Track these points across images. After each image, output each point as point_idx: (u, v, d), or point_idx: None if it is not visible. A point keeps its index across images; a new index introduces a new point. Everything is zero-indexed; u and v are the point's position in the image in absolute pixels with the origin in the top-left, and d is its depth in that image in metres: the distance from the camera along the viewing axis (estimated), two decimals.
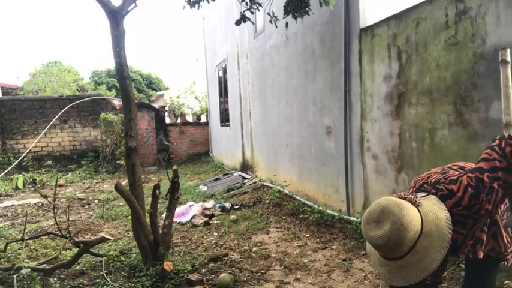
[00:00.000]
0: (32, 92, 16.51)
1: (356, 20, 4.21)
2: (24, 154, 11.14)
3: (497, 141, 1.64)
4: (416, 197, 1.47)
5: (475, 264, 1.76)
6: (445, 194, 1.53)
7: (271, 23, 4.56)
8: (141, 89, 27.73)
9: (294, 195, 5.81)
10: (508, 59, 1.90)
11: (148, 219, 3.48)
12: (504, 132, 1.73)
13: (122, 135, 10.59)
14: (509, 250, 1.71)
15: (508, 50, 1.93)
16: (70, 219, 5.46)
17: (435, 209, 1.43)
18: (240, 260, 3.81)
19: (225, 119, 10.60)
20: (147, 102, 17.66)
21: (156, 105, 13.46)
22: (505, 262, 1.72)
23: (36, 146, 11.76)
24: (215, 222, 5.31)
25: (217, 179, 8.37)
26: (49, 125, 11.63)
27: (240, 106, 8.87)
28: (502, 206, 1.72)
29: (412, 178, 3.53)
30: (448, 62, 3.08)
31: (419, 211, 1.42)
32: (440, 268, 1.81)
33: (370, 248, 1.52)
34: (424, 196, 1.51)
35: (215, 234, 4.78)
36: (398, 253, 1.37)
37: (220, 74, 10.91)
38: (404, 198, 1.45)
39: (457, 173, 1.63)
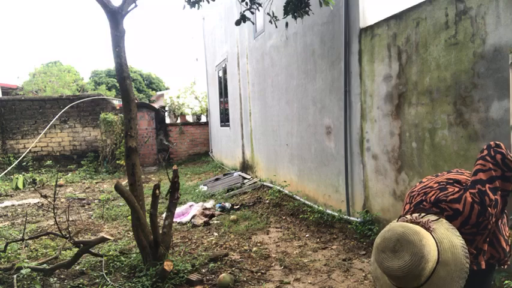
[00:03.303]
0: (32, 92, 16.51)
1: (356, 20, 4.22)
2: (24, 154, 11.14)
3: (485, 151, 1.64)
4: (429, 222, 1.42)
5: (475, 271, 1.76)
6: (451, 214, 1.50)
7: (271, 23, 4.56)
8: (141, 89, 27.75)
9: (294, 195, 5.81)
10: None
11: (148, 219, 3.48)
12: (491, 142, 1.73)
13: (122, 135, 10.60)
14: (508, 255, 1.71)
15: None
16: (70, 219, 5.47)
17: (449, 236, 1.39)
18: (240, 260, 3.81)
19: (225, 119, 10.60)
20: (147, 102, 17.68)
21: (156, 105, 13.46)
22: (503, 265, 1.72)
23: (36, 146, 11.77)
24: (215, 222, 5.31)
25: (217, 179, 8.37)
26: (49, 125, 11.63)
27: (240, 106, 8.87)
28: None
29: (412, 178, 3.53)
30: (448, 62, 3.08)
31: (433, 237, 1.37)
32: None
33: (378, 272, 1.48)
34: (436, 220, 1.47)
35: (215, 234, 4.78)
36: (415, 283, 1.32)
37: (220, 74, 10.91)
38: (417, 223, 1.41)
39: (456, 189, 1.59)
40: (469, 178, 1.69)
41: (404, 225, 1.39)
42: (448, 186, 1.66)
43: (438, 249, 1.35)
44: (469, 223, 1.48)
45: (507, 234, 1.75)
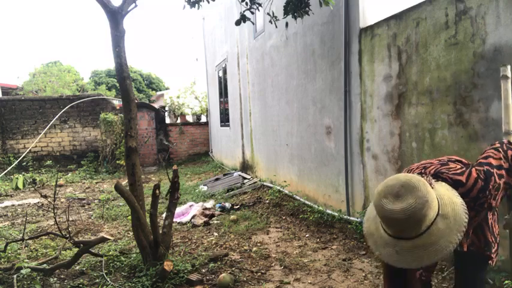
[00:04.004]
0: (32, 92, 16.51)
1: (356, 20, 4.21)
2: (24, 154, 11.14)
3: (497, 144, 1.67)
4: (431, 179, 1.41)
5: (464, 263, 1.77)
6: (451, 184, 1.48)
7: (271, 23, 4.55)
8: (141, 89, 27.76)
9: (294, 195, 5.81)
10: (509, 74, 1.96)
11: (148, 219, 3.48)
12: (504, 139, 1.74)
13: (122, 135, 10.59)
14: (493, 250, 1.72)
15: (509, 67, 1.99)
16: (70, 219, 5.47)
17: (449, 194, 1.39)
18: (240, 260, 3.81)
19: (225, 119, 10.60)
20: (147, 102, 17.68)
21: (156, 105, 13.46)
22: (491, 262, 1.72)
23: (36, 146, 11.77)
24: (215, 222, 5.31)
25: (217, 179, 8.37)
26: (49, 125, 11.63)
27: (240, 106, 8.87)
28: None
29: None
30: (448, 62, 3.08)
31: (435, 194, 1.37)
32: (433, 264, 1.82)
33: (372, 227, 1.45)
34: (436, 181, 1.46)
35: (215, 234, 4.78)
36: (414, 232, 1.29)
37: (220, 74, 10.91)
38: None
39: (459, 166, 1.59)
40: (470, 162, 1.69)
41: (408, 174, 1.38)
42: (449, 162, 1.64)
43: (439, 203, 1.33)
44: (469, 196, 1.46)
45: (496, 231, 1.76)
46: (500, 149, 1.62)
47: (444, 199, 1.36)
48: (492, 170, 1.53)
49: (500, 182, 1.51)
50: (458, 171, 1.52)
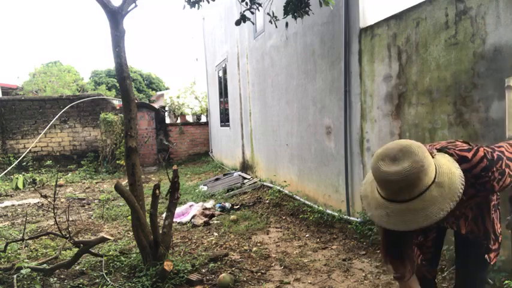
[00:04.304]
0: (32, 92, 16.51)
1: (356, 20, 4.21)
2: (24, 154, 11.14)
3: None
4: (433, 148, 1.41)
5: (464, 252, 1.77)
6: (456, 159, 1.46)
7: (271, 23, 4.56)
8: (141, 89, 27.76)
9: (294, 195, 5.81)
10: None
11: (148, 219, 3.48)
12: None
13: (122, 135, 10.59)
14: (492, 245, 1.70)
15: None
16: (70, 219, 5.47)
17: (449, 165, 1.38)
18: (240, 260, 3.81)
19: (225, 119, 10.60)
20: (147, 102, 17.68)
21: (156, 105, 13.45)
22: (488, 258, 1.71)
23: (36, 146, 11.77)
24: (215, 222, 5.31)
25: (217, 179, 8.37)
26: (49, 125, 11.63)
27: (240, 106, 8.87)
28: (495, 199, 1.73)
29: None
30: (448, 62, 3.08)
31: (434, 163, 1.37)
32: (436, 259, 1.81)
33: (368, 190, 1.46)
34: (439, 152, 1.46)
35: (215, 234, 4.78)
36: (407, 196, 1.30)
37: (220, 74, 10.91)
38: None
39: (466, 145, 1.57)
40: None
41: (409, 140, 1.38)
42: (457, 142, 1.63)
43: (437, 171, 1.34)
44: (471, 172, 1.45)
45: (499, 229, 1.75)
46: None
47: (443, 168, 1.36)
48: (503, 156, 1.50)
49: (506, 169, 1.48)
50: (465, 148, 1.51)
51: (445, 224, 1.62)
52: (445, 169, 1.35)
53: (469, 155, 1.46)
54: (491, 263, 1.73)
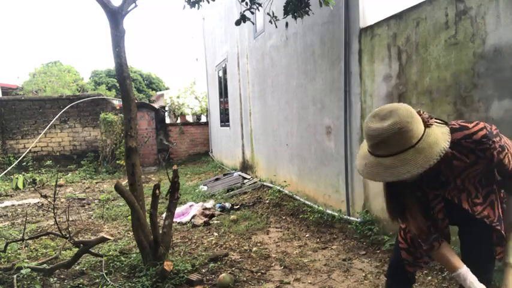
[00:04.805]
0: (32, 92, 16.51)
1: (356, 20, 4.21)
2: (24, 154, 11.14)
3: None
4: (432, 119, 1.45)
5: (473, 247, 1.75)
6: (457, 127, 1.51)
7: (271, 23, 4.56)
8: (141, 89, 27.76)
9: (294, 195, 5.81)
10: None
11: (148, 219, 3.48)
12: None
13: (122, 135, 10.59)
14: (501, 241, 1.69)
15: None
16: (70, 219, 5.47)
17: (440, 137, 1.41)
18: (240, 260, 3.81)
19: (225, 119, 10.60)
20: (147, 102, 17.68)
21: (156, 105, 13.45)
22: (495, 252, 1.71)
23: (36, 146, 11.77)
24: (215, 222, 5.31)
25: (217, 179, 8.37)
26: (49, 125, 11.63)
27: (240, 106, 8.87)
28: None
29: None
30: (448, 62, 3.08)
31: (425, 131, 1.41)
32: (446, 228, 1.77)
33: (364, 143, 1.54)
34: (439, 124, 1.48)
35: (215, 234, 4.78)
36: (384, 151, 1.38)
37: (220, 74, 10.91)
38: (420, 114, 1.45)
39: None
40: None
41: (403, 104, 1.44)
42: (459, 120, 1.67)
43: (422, 138, 1.38)
44: (471, 138, 1.49)
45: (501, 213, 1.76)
46: None
47: (430, 137, 1.39)
48: (503, 137, 1.54)
49: (506, 146, 1.51)
50: (468, 121, 1.56)
51: (447, 195, 1.63)
52: (431, 139, 1.39)
53: (470, 125, 1.51)
54: (497, 257, 1.72)
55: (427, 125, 1.42)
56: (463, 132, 1.49)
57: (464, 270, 1.59)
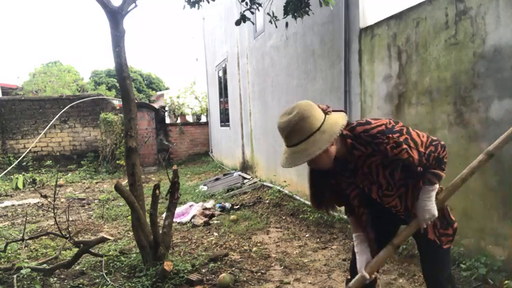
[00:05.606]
0: (32, 92, 16.50)
1: (356, 20, 4.21)
2: (24, 154, 11.14)
3: (435, 143, 1.77)
4: (330, 108, 1.70)
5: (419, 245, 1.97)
6: (363, 122, 1.70)
7: (271, 23, 4.56)
8: (141, 89, 27.75)
9: (294, 195, 5.81)
10: None
11: (148, 219, 3.48)
12: (442, 141, 1.85)
13: (122, 135, 10.58)
14: (443, 231, 1.84)
15: None
16: (70, 219, 5.46)
17: (338, 118, 1.65)
18: (240, 260, 3.81)
19: (225, 119, 10.60)
20: (147, 102, 17.67)
21: (156, 105, 13.45)
22: (438, 241, 1.84)
23: (36, 146, 11.76)
24: (215, 222, 5.31)
25: (217, 179, 8.37)
26: (49, 125, 11.63)
27: (240, 106, 8.87)
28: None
29: None
30: (448, 62, 3.08)
31: (325, 117, 1.64)
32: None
33: (283, 150, 1.74)
34: (337, 111, 1.72)
35: (215, 234, 4.78)
36: (295, 140, 1.61)
37: (220, 74, 10.91)
38: (319, 106, 1.68)
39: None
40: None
41: (306, 100, 1.68)
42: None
43: (324, 122, 1.62)
44: (369, 132, 1.67)
45: (451, 215, 1.90)
46: (434, 144, 1.73)
47: (330, 120, 1.63)
48: (406, 136, 1.66)
49: (404, 145, 1.62)
50: (376, 118, 1.73)
51: (360, 184, 1.80)
52: (331, 121, 1.63)
53: (374, 121, 1.69)
54: (444, 247, 1.85)
55: (326, 112, 1.66)
56: (364, 127, 1.67)
57: (356, 236, 1.90)
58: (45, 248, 4.31)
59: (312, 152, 1.58)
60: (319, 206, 1.94)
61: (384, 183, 1.76)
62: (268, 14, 4.63)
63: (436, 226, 1.84)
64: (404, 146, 1.63)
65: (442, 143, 1.77)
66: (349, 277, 2.08)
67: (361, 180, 1.79)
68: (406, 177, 1.79)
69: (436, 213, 1.74)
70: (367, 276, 1.78)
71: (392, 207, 1.84)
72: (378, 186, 1.78)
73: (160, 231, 3.49)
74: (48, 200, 4.95)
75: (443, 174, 1.77)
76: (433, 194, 1.75)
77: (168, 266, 3.16)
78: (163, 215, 3.83)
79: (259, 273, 3.46)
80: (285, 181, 6.18)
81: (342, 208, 2.00)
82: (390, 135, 1.63)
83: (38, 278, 3.25)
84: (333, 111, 1.71)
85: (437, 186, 1.77)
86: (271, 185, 6.65)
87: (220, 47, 10.65)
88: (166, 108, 12.96)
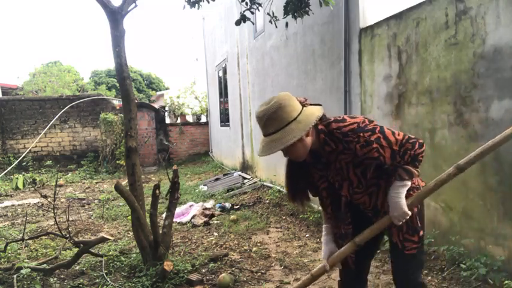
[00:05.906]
0: (32, 92, 16.51)
1: (356, 20, 4.21)
2: (24, 154, 11.14)
3: (412, 141, 1.73)
4: (307, 100, 1.75)
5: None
6: (339, 119, 1.72)
7: (271, 23, 4.56)
8: (141, 89, 27.75)
9: None
10: None
11: (148, 219, 3.48)
12: (420, 140, 1.81)
13: (122, 135, 10.58)
14: (407, 236, 1.80)
15: None
16: (70, 219, 5.46)
17: (315, 110, 1.70)
18: (240, 260, 3.81)
19: (225, 119, 10.60)
20: (147, 102, 17.66)
21: (156, 105, 13.45)
22: (400, 244, 1.82)
23: (36, 146, 11.76)
24: (215, 222, 5.31)
25: (217, 179, 8.37)
26: (49, 125, 11.62)
27: (240, 106, 8.87)
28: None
29: None
30: (448, 62, 3.08)
31: (303, 109, 1.69)
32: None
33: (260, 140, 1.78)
34: (314, 104, 1.76)
35: (215, 234, 4.78)
36: (271, 129, 1.65)
37: (220, 74, 10.91)
38: (298, 99, 1.73)
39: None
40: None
41: (284, 92, 1.74)
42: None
43: (300, 113, 1.66)
44: (341, 130, 1.69)
45: (418, 223, 1.85)
46: (411, 142, 1.69)
47: (307, 111, 1.67)
48: (379, 134, 1.66)
49: (375, 144, 1.63)
50: (352, 116, 1.75)
51: (331, 179, 1.83)
52: (307, 112, 1.67)
53: (348, 119, 1.71)
54: (406, 252, 1.81)
55: (303, 105, 1.71)
56: (338, 124, 1.70)
57: (324, 227, 1.97)
58: (45, 248, 4.31)
59: (286, 140, 1.62)
60: (293, 198, 1.96)
61: (354, 180, 1.78)
62: (268, 14, 4.63)
63: (402, 229, 1.79)
64: (375, 145, 1.65)
65: (421, 141, 1.73)
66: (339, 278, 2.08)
67: (334, 175, 1.81)
68: (379, 176, 1.80)
69: (406, 210, 1.68)
70: (328, 267, 1.84)
71: (361, 204, 1.87)
72: (348, 183, 1.80)
73: (160, 231, 3.49)
74: (48, 200, 4.95)
75: (415, 172, 1.74)
76: (403, 190, 1.70)
77: (168, 266, 3.16)
78: (163, 215, 3.83)
79: (259, 273, 3.46)
80: None
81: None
82: (361, 134, 1.65)
83: (38, 278, 3.25)
84: (311, 104, 1.75)
85: (408, 183, 1.72)
86: (271, 185, 6.65)
87: (220, 47, 10.65)
88: (166, 108, 12.96)
